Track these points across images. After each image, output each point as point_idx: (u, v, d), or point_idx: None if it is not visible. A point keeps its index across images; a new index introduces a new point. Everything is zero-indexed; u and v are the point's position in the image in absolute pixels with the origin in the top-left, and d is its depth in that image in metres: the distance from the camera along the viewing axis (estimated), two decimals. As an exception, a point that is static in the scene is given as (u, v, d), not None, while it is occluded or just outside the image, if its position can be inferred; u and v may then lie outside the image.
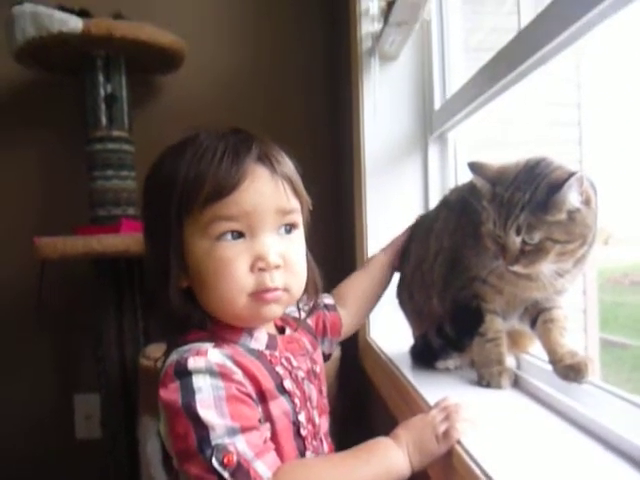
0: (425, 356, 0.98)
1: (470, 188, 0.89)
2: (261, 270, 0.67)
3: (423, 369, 0.98)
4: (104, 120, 1.62)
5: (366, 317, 1.01)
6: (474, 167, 0.84)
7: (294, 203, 0.71)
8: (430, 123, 1.34)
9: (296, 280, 0.71)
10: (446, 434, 0.66)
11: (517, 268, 0.79)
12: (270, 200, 0.68)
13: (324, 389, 0.79)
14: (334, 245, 1.69)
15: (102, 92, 1.62)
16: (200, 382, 0.62)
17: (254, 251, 0.67)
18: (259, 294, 0.67)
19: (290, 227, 0.71)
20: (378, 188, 1.33)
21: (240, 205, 0.66)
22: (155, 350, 1.47)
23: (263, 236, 0.68)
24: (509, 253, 0.79)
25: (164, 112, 1.81)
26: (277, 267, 0.68)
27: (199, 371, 0.63)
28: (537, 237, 0.76)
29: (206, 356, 0.64)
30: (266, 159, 0.69)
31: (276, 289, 0.68)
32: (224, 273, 0.66)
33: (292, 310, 0.82)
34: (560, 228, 0.76)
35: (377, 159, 1.33)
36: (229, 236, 0.66)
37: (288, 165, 0.71)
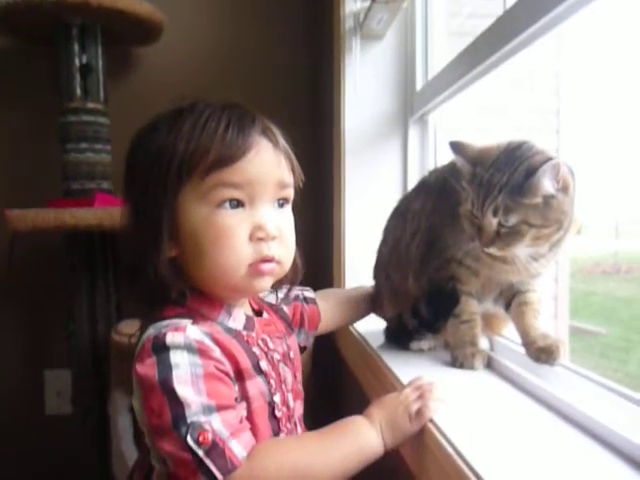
0: (399, 337, 0.99)
1: (451, 168, 0.89)
2: (259, 240, 0.67)
3: (397, 350, 0.98)
4: (79, 91, 1.58)
5: (343, 323, 1.02)
6: (456, 147, 0.84)
7: (291, 178, 0.72)
8: (411, 104, 1.33)
9: (288, 253, 0.72)
10: (419, 413, 0.67)
11: (492, 250, 0.79)
12: (272, 172, 0.69)
13: (298, 375, 0.79)
14: (312, 225, 1.69)
15: (77, 62, 1.57)
16: (178, 358, 0.61)
17: (254, 221, 0.67)
18: (256, 265, 0.68)
19: (283, 201, 0.72)
20: (357, 168, 1.32)
21: (245, 174, 0.66)
22: (128, 326, 1.45)
23: (262, 207, 0.68)
24: (485, 234, 0.79)
25: (141, 85, 1.78)
26: (274, 238, 0.68)
27: (177, 347, 0.62)
28: (513, 220, 0.77)
29: (185, 332, 0.63)
30: (270, 133, 0.70)
31: (272, 259, 0.68)
32: (224, 241, 0.66)
33: (266, 295, 0.82)
34: (536, 212, 0.76)
35: (357, 139, 1.32)
36: (228, 204, 0.66)
37: (284, 142, 0.72)
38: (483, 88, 1.10)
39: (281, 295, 0.86)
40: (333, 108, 1.42)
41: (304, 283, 0.98)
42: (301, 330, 0.88)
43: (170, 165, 0.66)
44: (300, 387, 0.78)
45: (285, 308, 0.86)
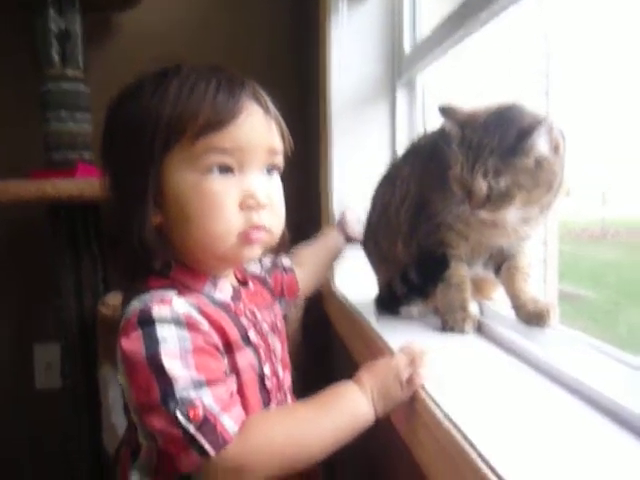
0: (389, 303, 0.98)
1: (441, 132, 0.87)
2: (249, 208, 0.66)
3: (387, 317, 0.97)
4: (57, 58, 1.52)
5: (322, 280, 1.02)
6: (445, 110, 0.82)
7: (281, 145, 0.70)
8: (399, 67, 1.30)
9: (278, 222, 0.70)
10: (410, 380, 0.66)
11: (483, 213, 0.78)
12: (263, 138, 0.67)
13: (286, 345, 0.78)
14: (300, 190, 1.66)
15: (55, 28, 1.52)
16: (165, 332, 0.60)
17: (244, 187, 0.65)
18: (246, 234, 0.66)
19: (273, 169, 0.70)
20: (344, 133, 1.30)
21: (235, 139, 0.64)
22: (114, 298, 1.44)
23: (252, 174, 0.66)
24: (475, 198, 0.77)
25: (121, 52, 1.72)
26: (264, 207, 0.67)
27: (164, 320, 0.60)
28: (504, 182, 0.75)
29: (171, 305, 0.62)
30: (260, 97, 0.68)
31: (262, 227, 0.67)
32: (214, 208, 0.64)
33: (249, 265, 0.81)
34: (527, 174, 0.75)
35: (344, 103, 1.29)
36: (217, 170, 0.64)
37: (274, 108, 0.70)
38: (472, 50, 1.07)
39: (264, 269, 0.85)
40: (319, 72, 1.39)
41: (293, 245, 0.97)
42: (281, 299, 0.87)
43: (156, 129, 0.63)
44: (288, 358, 0.77)
45: (268, 278, 0.85)
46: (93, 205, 1.54)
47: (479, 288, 0.94)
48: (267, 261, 0.87)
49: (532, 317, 0.79)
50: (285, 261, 0.90)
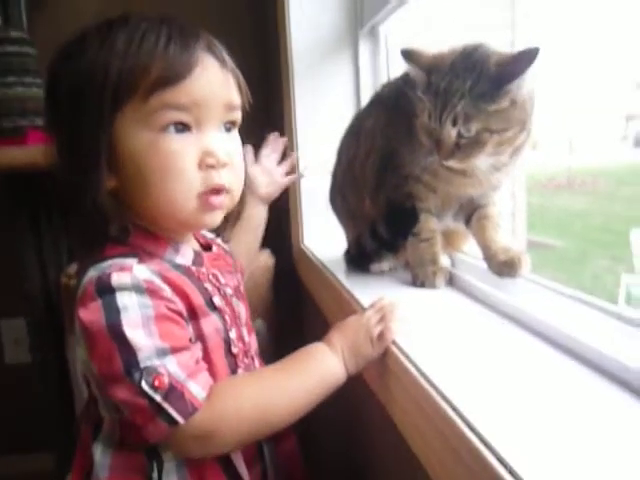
0: (359, 260, 0.96)
1: (404, 79, 0.83)
2: (209, 167, 0.62)
3: (357, 273, 0.95)
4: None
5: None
6: (408, 54, 0.78)
7: (239, 99, 0.66)
8: (361, 16, 1.25)
9: (238, 182, 0.67)
10: (381, 336, 0.64)
11: (452, 163, 0.76)
12: (220, 92, 0.63)
13: (248, 309, 0.76)
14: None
15: (-6, -14, 1.43)
16: (126, 300, 0.57)
17: (202, 146, 0.62)
18: (207, 197, 0.63)
19: (231, 125, 0.66)
20: (307, 86, 1.25)
21: (191, 94, 0.60)
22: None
23: (211, 131, 0.63)
24: (444, 146, 0.75)
25: (66, 10, 1.63)
26: (224, 165, 0.63)
27: (124, 288, 0.57)
28: (474, 128, 0.72)
29: (131, 272, 0.59)
30: (215, 49, 0.64)
31: (223, 187, 0.63)
32: (172, 168, 0.60)
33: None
34: (499, 117, 0.72)
35: (305, 55, 1.24)
36: (173, 128, 0.60)
37: (230, 60, 0.66)
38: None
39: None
40: (278, 23, 1.33)
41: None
42: None
43: (105, 86, 0.59)
44: (251, 322, 0.75)
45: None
46: (50, 173, 1.48)
47: (450, 240, 0.93)
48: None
49: (503, 267, 0.77)
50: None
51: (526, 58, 0.69)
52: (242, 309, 0.72)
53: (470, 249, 0.93)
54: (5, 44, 1.44)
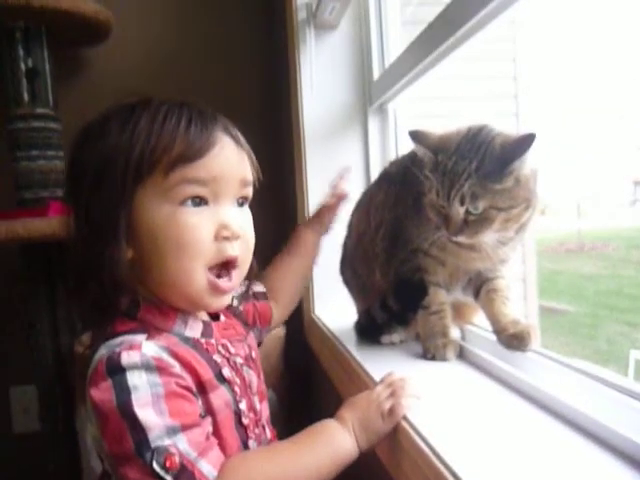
0: (370, 331, 0.97)
1: (412, 157, 0.87)
2: (224, 239, 0.65)
3: (368, 345, 0.96)
4: (26, 96, 1.51)
5: (298, 300, 0.96)
6: (415, 136, 0.82)
7: (251, 176, 0.70)
8: (369, 94, 1.31)
9: (249, 254, 0.70)
10: (392, 411, 0.65)
11: (461, 239, 0.78)
12: (236, 169, 0.67)
13: (262, 375, 0.76)
14: (275, 220, 1.66)
15: (22, 66, 1.51)
16: (136, 379, 0.57)
17: (219, 219, 0.65)
18: (217, 283, 0.65)
19: (244, 200, 0.70)
20: (318, 161, 1.29)
21: (210, 170, 0.64)
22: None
23: (227, 205, 0.66)
24: (452, 223, 0.77)
25: (91, 87, 1.71)
26: (238, 237, 0.66)
27: (134, 367, 0.58)
28: (481, 206, 0.75)
29: (140, 350, 0.59)
30: (231, 129, 0.69)
31: (236, 259, 0.66)
32: (189, 240, 0.63)
33: None
34: (504, 195, 0.75)
35: (316, 132, 1.30)
36: (191, 202, 0.64)
37: (244, 140, 0.71)
38: (442, 74, 1.07)
39: (236, 301, 0.83)
40: (291, 102, 1.39)
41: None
42: (254, 328, 0.85)
43: (128, 163, 0.62)
44: (264, 387, 0.76)
45: (240, 307, 0.83)
46: (68, 242, 1.51)
47: (460, 313, 0.94)
48: (239, 289, 0.85)
49: (513, 340, 0.78)
50: (257, 287, 0.88)
51: (527, 140, 0.73)
52: (253, 378, 0.72)
53: (481, 321, 0.93)
54: (30, 120, 1.51)
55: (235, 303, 0.82)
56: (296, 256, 0.93)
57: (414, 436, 0.60)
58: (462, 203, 0.76)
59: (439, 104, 1.79)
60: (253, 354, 0.76)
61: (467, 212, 0.76)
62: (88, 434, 1.37)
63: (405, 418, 0.64)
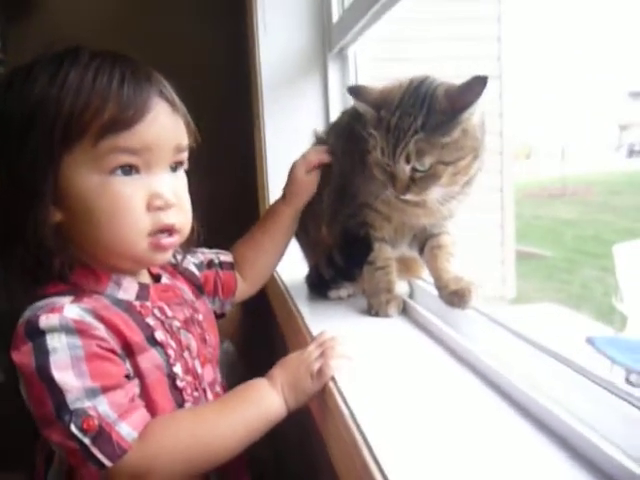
0: (318, 286, 0.96)
1: (354, 113, 0.83)
2: (158, 209, 0.63)
3: (317, 299, 0.95)
4: (-25, 39, 1.45)
5: (269, 275, 0.93)
6: (355, 92, 0.78)
7: (187, 141, 0.68)
8: (329, 38, 1.25)
9: (186, 219, 0.68)
10: (320, 371, 0.64)
11: (409, 196, 0.76)
12: (170, 136, 0.65)
13: (210, 337, 0.75)
14: (234, 170, 1.61)
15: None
16: (55, 342, 0.57)
17: (151, 188, 0.63)
18: (157, 239, 0.64)
19: (177, 165, 0.68)
20: (276, 109, 1.25)
21: (142, 139, 0.61)
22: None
23: (159, 173, 0.64)
24: (399, 182, 0.75)
25: (43, 29, 1.63)
26: (172, 206, 0.65)
27: (53, 329, 0.58)
28: (428, 162, 0.72)
29: (61, 312, 0.59)
30: (166, 92, 0.65)
31: (172, 227, 0.65)
32: (121, 210, 0.62)
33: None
34: (451, 147, 0.72)
35: (274, 79, 1.24)
36: (121, 171, 0.61)
37: (179, 101, 0.67)
38: (403, 14, 1.02)
39: (195, 261, 0.82)
40: (247, 48, 1.34)
41: (230, 221, 0.91)
42: (215, 299, 0.84)
43: (55, 121, 0.59)
44: (211, 351, 0.75)
45: (196, 271, 0.81)
46: None
47: (409, 267, 0.93)
48: (203, 256, 0.84)
49: (454, 297, 0.77)
50: (224, 256, 0.86)
51: (476, 87, 0.70)
52: (192, 341, 0.71)
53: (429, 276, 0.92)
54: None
55: (193, 268, 0.81)
56: (268, 233, 0.89)
57: (337, 398, 0.59)
58: (408, 161, 0.73)
59: (408, 47, 1.73)
60: (200, 317, 0.74)
61: (413, 169, 0.74)
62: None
63: (333, 379, 0.63)
